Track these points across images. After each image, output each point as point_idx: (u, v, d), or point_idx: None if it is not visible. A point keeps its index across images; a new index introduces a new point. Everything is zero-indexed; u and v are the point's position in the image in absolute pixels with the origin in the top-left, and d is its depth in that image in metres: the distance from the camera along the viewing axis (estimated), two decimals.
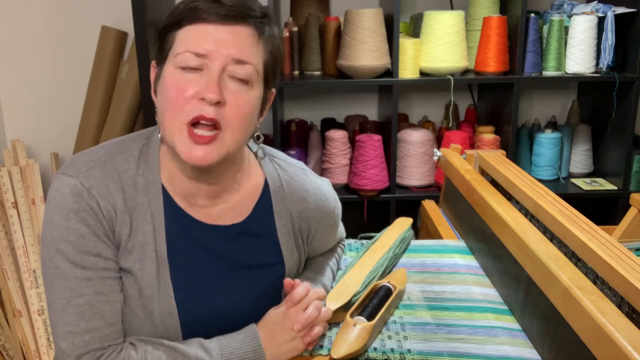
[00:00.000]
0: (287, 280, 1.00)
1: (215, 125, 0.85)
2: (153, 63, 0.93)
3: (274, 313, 0.98)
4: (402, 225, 1.39)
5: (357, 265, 1.19)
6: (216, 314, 0.95)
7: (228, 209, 0.98)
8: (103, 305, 0.88)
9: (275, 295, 1.01)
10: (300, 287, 0.98)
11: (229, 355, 0.91)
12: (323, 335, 1.00)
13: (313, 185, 1.07)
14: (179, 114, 0.85)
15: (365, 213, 2.24)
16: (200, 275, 0.95)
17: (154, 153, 0.94)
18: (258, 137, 0.98)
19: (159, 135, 0.93)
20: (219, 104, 0.85)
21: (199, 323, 0.94)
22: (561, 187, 2.30)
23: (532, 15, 2.18)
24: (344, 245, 1.29)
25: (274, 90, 0.99)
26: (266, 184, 1.02)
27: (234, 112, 0.87)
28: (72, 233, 0.86)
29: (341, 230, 1.25)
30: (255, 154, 1.02)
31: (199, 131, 0.85)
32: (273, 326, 0.96)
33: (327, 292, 1.08)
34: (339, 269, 1.23)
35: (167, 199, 0.94)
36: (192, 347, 0.90)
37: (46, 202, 0.90)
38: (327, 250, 1.20)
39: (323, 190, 1.09)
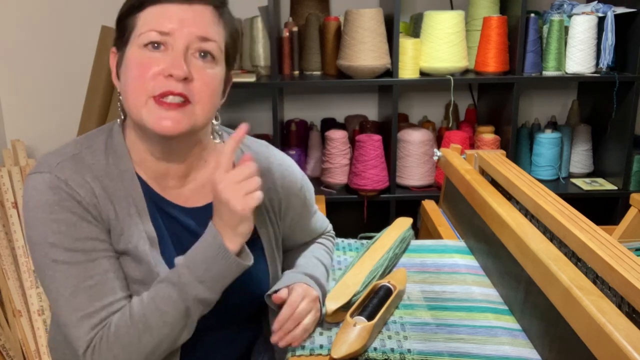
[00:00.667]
0: (276, 297, 0.99)
1: (184, 99, 0.87)
2: (113, 49, 0.95)
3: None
4: (402, 225, 1.39)
5: (357, 265, 1.19)
6: None
7: (198, 187, 0.99)
8: (113, 282, 0.88)
9: (257, 270, 1.00)
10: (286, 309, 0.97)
11: (191, 258, 0.87)
12: (313, 332, 1.00)
13: (277, 157, 1.08)
14: (144, 89, 0.86)
15: (365, 213, 2.24)
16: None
17: (119, 142, 0.95)
18: (216, 118, 1.01)
19: (119, 124, 0.95)
20: (186, 80, 0.86)
21: None
22: (561, 187, 2.30)
23: (532, 15, 2.18)
24: (333, 238, 1.28)
25: (232, 74, 1.01)
26: None
27: (202, 87, 0.89)
28: (62, 224, 0.86)
29: (322, 218, 1.24)
30: (213, 131, 1.02)
31: (168, 100, 0.86)
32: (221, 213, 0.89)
33: (322, 287, 1.08)
34: (338, 268, 1.23)
35: (143, 184, 0.95)
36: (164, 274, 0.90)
37: (23, 204, 0.88)
38: (311, 239, 1.20)
39: (287, 162, 1.10)
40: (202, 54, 0.89)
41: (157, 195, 0.96)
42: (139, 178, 0.95)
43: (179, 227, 0.97)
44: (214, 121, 1.01)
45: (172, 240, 0.95)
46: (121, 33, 0.92)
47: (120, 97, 0.94)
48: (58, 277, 0.86)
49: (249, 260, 0.89)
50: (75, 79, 2.43)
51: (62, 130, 2.48)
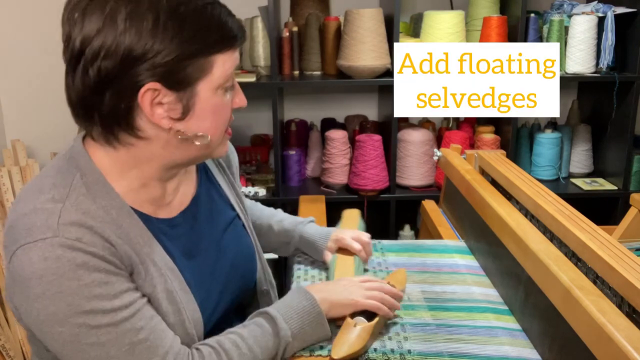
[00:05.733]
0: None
1: None
2: (155, 85, 0.79)
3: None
4: (351, 218, 1.38)
5: (338, 273, 1.16)
6: (220, 288, 1.00)
7: (180, 195, 0.99)
8: (161, 324, 0.86)
9: (244, 246, 1.09)
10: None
11: (285, 311, 0.95)
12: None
13: None
14: (225, 128, 0.93)
15: (365, 213, 2.24)
16: (197, 266, 0.97)
17: (99, 179, 0.86)
18: None
19: (84, 159, 0.87)
20: None
21: (213, 306, 0.98)
22: (561, 187, 2.30)
23: (532, 15, 2.18)
24: None
25: None
26: None
27: None
28: (94, 287, 0.78)
29: None
30: None
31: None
32: (322, 285, 1.05)
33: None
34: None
35: (140, 215, 0.90)
36: (258, 321, 0.95)
37: (30, 281, 0.77)
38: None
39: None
40: None
41: (154, 221, 0.92)
42: (136, 210, 0.90)
43: (181, 243, 0.96)
44: None
45: (183, 261, 0.95)
46: (187, 70, 0.81)
47: (179, 137, 0.86)
48: (105, 340, 0.80)
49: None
50: None
51: (62, 130, 2.47)
